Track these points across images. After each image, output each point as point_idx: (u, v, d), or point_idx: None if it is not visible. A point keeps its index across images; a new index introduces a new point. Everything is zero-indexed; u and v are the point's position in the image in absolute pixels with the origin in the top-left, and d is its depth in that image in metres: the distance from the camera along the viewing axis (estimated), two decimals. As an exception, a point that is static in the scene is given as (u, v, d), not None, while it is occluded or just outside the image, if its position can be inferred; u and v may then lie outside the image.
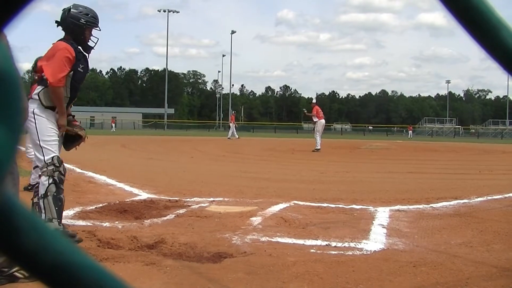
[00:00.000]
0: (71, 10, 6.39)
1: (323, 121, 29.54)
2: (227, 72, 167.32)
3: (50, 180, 5.97)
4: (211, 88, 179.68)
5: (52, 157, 6.07)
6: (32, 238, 0.46)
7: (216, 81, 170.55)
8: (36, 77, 6.24)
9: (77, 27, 6.37)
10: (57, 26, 6.33)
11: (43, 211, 5.84)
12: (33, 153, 6.33)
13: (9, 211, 0.44)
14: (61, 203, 6.04)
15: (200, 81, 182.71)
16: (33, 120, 6.04)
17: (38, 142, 6.06)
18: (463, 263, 5.44)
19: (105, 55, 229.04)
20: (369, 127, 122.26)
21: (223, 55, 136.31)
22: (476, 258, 5.67)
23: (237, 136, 49.41)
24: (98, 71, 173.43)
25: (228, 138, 48.48)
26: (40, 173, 6.06)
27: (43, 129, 6.07)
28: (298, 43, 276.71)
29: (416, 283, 4.88)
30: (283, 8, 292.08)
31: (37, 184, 6.25)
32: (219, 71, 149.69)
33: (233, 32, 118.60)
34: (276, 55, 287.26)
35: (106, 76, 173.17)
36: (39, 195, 5.89)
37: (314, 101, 31.90)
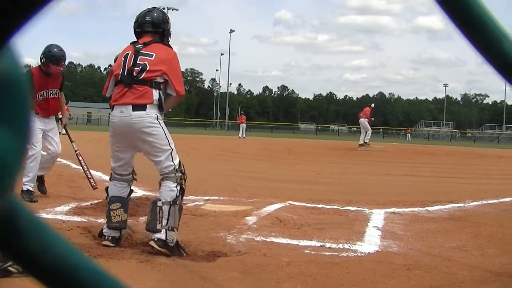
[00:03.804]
0: (163, 12, 6.54)
1: (360, 120, 33.79)
2: (225, 71, 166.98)
3: (179, 188, 5.96)
4: (208, 86, 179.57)
5: (179, 162, 6.10)
6: (34, 240, 0.46)
7: (213, 80, 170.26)
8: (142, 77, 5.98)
9: (169, 32, 6.46)
10: (152, 28, 6.26)
11: (167, 217, 5.75)
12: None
13: (12, 213, 0.45)
14: (181, 212, 6.07)
15: (197, 79, 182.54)
16: (159, 125, 5.97)
17: (169, 147, 6.01)
18: (457, 267, 5.45)
19: (103, 52, 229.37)
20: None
21: (221, 54, 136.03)
22: (470, 262, 5.68)
23: (239, 136, 50.88)
24: (96, 67, 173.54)
25: (243, 137, 50.23)
26: (164, 177, 5.99)
27: (168, 133, 6.06)
28: (296, 43, 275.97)
29: (410, 286, 4.89)
30: (281, 9, 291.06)
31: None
32: (217, 70, 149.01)
33: (232, 31, 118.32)
34: (274, 55, 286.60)
35: (105, 72, 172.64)
36: (165, 200, 5.82)
37: (371, 105, 35.50)
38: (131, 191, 6.38)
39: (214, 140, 40.93)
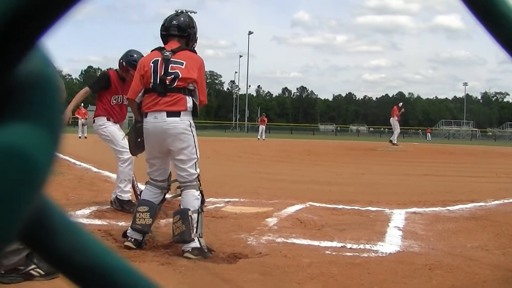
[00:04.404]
0: (190, 17, 6.51)
1: (390, 119, 35.03)
2: (243, 73, 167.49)
3: (201, 196, 6.04)
4: (228, 88, 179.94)
5: (198, 172, 6.15)
6: (66, 240, 0.47)
7: (233, 82, 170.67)
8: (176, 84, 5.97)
9: (195, 37, 6.47)
10: (178, 32, 6.28)
11: (197, 225, 5.83)
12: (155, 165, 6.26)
13: (45, 212, 0.45)
14: None
15: (217, 81, 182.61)
16: (191, 133, 6.03)
17: (196, 156, 6.08)
18: (478, 267, 5.41)
19: (122, 55, 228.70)
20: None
21: (240, 56, 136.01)
22: (492, 262, 5.64)
23: (258, 138, 51.37)
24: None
25: (262, 139, 50.55)
26: (186, 186, 6.02)
27: (197, 142, 6.13)
28: (314, 44, 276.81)
29: (431, 286, 4.86)
30: (299, 10, 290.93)
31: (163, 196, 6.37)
32: (236, 72, 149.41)
33: (250, 33, 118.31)
34: (293, 56, 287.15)
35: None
36: (194, 209, 5.86)
37: (399, 104, 36.07)
38: (164, 199, 6.40)
39: (234, 142, 40.90)
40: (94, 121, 8.72)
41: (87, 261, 0.48)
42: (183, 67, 5.99)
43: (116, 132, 8.45)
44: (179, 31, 6.26)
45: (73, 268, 0.49)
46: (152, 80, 6.01)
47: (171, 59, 6.03)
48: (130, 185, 8.41)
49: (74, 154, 17.43)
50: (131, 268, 0.52)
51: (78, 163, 15.74)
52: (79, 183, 11.20)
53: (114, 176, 11.79)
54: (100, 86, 8.65)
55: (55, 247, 0.47)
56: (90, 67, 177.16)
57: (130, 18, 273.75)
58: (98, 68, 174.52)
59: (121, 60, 8.63)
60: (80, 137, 36.56)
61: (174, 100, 5.94)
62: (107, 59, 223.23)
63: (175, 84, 5.94)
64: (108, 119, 8.51)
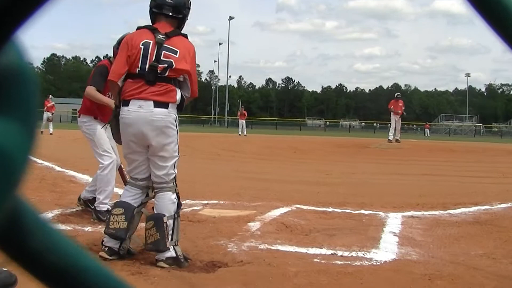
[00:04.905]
0: None
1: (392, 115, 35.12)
2: (223, 62, 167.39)
3: (178, 200, 5.99)
4: (206, 79, 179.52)
5: (176, 172, 6.09)
6: (38, 240, 0.49)
7: (211, 72, 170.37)
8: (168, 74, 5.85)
9: (186, 19, 6.34)
10: (172, 12, 6.09)
11: (172, 232, 5.78)
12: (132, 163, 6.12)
13: (18, 211, 0.46)
14: None
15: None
16: (176, 129, 5.97)
17: (177, 154, 6.04)
18: (484, 277, 5.44)
19: (89, 42, 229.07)
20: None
21: (220, 44, 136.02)
22: (499, 271, 5.67)
23: (239, 133, 51.58)
24: (81, 59, 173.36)
25: (243, 134, 50.92)
26: (162, 188, 5.96)
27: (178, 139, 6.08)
28: (301, 31, 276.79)
29: (431, 297, 4.89)
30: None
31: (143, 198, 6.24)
32: (215, 61, 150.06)
33: (231, 18, 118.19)
34: (278, 44, 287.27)
35: (91, 65, 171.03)
36: (169, 215, 5.81)
37: (396, 95, 36.65)
38: (145, 202, 6.24)
39: (213, 138, 40.86)
40: (79, 116, 8.50)
41: (60, 261, 0.50)
42: (177, 56, 5.88)
43: (101, 135, 8.16)
44: (174, 12, 6.09)
45: (45, 268, 0.50)
46: (140, 65, 5.86)
47: (165, 45, 5.90)
48: (108, 196, 8.22)
49: (35, 151, 17.34)
50: (104, 269, 0.53)
51: (39, 161, 15.64)
52: (41, 183, 11.14)
53: (79, 175, 11.77)
54: (103, 83, 8.30)
55: (27, 247, 0.48)
56: (53, 54, 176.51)
57: (98, 1, 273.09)
58: (63, 56, 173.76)
59: (117, 47, 8.41)
60: (42, 132, 36.45)
61: (164, 90, 5.83)
62: (73, 47, 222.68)
63: (167, 73, 5.84)
64: (95, 118, 8.32)
